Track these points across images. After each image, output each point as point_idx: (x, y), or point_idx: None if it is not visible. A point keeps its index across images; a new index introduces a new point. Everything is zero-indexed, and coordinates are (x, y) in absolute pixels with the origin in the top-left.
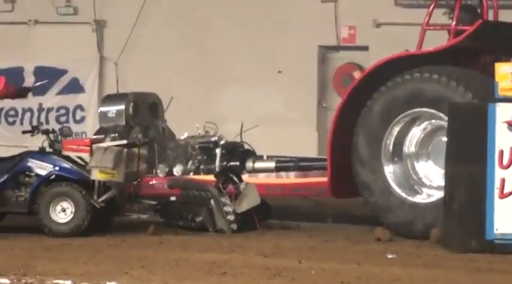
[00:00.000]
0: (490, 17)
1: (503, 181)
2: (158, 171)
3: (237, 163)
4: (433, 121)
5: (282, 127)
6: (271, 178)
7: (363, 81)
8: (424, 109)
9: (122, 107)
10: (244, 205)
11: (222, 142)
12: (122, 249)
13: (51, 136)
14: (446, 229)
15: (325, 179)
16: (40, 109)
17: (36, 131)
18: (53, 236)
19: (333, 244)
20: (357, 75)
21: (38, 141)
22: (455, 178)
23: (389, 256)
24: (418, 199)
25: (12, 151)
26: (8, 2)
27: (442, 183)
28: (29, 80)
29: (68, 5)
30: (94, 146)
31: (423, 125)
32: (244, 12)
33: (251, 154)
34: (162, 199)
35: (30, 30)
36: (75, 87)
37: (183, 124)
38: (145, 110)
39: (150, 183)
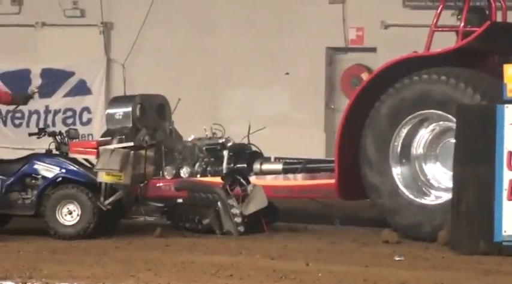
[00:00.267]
0: (499, 18)
1: (511, 182)
2: (165, 173)
3: (244, 165)
4: (441, 122)
5: (289, 129)
6: (279, 180)
7: (370, 83)
8: (432, 110)
9: (129, 109)
10: (252, 207)
11: (229, 144)
12: (128, 252)
13: (58, 138)
14: (454, 231)
15: (332, 181)
16: (47, 111)
17: (43, 133)
18: (59, 239)
19: (341, 246)
20: (365, 76)
21: (44, 143)
22: (463, 180)
23: (397, 259)
24: (426, 201)
25: (18, 154)
26: (15, 5)
27: (450, 184)
28: (36, 82)
29: (75, 7)
30: (101, 148)
31: (431, 127)
32: (252, 14)
33: (258, 156)
34: (169, 201)
35: (37, 33)
36: (82, 89)
37: (190, 126)
38: (152, 112)
39: (157, 185)
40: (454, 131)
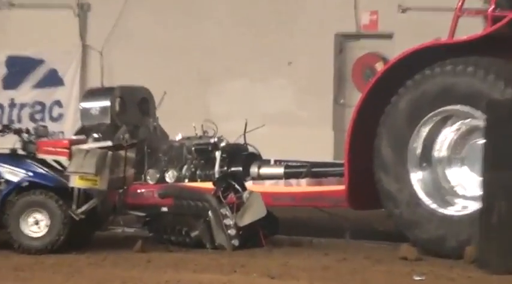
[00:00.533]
0: None
1: None
2: (148, 178)
3: (240, 168)
4: (467, 120)
5: (292, 127)
6: (280, 186)
7: (386, 74)
8: (457, 106)
9: (107, 103)
10: (248, 218)
11: (222, 144)
12: (104, 269)
13: (24, 136)
14: (484, 246)
15: (342, 187)
16: (12, 105)
17: (7, 131)
18: (24, 253)
19: (351, 263)
20: (380, 67)
21: (8, 142)
22: (494, 187)
23: (417, 278)
24: (451, 211)
25: None
26: None
27: (478, 192)
28: (0, 72)
29: None
30: (74, 148)
31: (456, 125)
32: None
33: (256, 158)
34: (152, 210)
35: (3, 15)
36: (53, 79)
37: (177, 123)
38: (133, 107)
39: (139, 191)
40: (483, 130)
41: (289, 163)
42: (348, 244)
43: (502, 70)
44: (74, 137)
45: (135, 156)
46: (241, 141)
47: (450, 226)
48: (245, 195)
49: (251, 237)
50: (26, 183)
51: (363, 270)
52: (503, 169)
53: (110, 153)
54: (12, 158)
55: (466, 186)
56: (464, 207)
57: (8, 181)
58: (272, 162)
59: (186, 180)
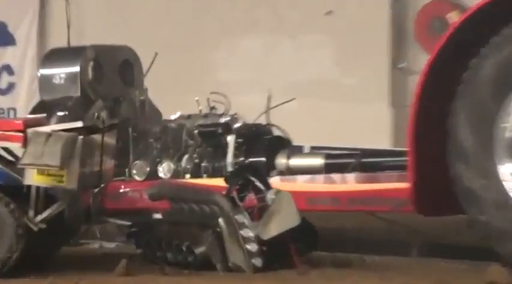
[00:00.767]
0: None
1: None
2: (134, 172)
3: (262, 158)
4: None
5: (333, 102)
6: (318, 184)
7: (463, 28)
8: None
9: (76, 69)
10: (275, 228)
11: (237, 125)
12: None
13: None
14: None
15: (405, 185)
16: None
17: None
18: None
19: None
20: (454, 18)
21: None
22: None
23: None
24: None
25: None
26: None
27: None
28: None
29: None
30: (30, 131)
31: None
32: None
33: (284, 145)
34: (141, 218)
35: None
36: (0, 36)
37: (173, 96)
38: (113, 73)
39: (121, 190)
40: None
41: (331, 152)
42: (414, 263)
43: None
44: (31, 116)
45: (115, 142)
46: (262, 120)
47: None
48: (270, 195)
49: (279, 255)
50: None
51: None
52: None
53: (80, 137)
54: None
55: None
56: None
57: None
58: (307, 150)
59: (187, 175)
